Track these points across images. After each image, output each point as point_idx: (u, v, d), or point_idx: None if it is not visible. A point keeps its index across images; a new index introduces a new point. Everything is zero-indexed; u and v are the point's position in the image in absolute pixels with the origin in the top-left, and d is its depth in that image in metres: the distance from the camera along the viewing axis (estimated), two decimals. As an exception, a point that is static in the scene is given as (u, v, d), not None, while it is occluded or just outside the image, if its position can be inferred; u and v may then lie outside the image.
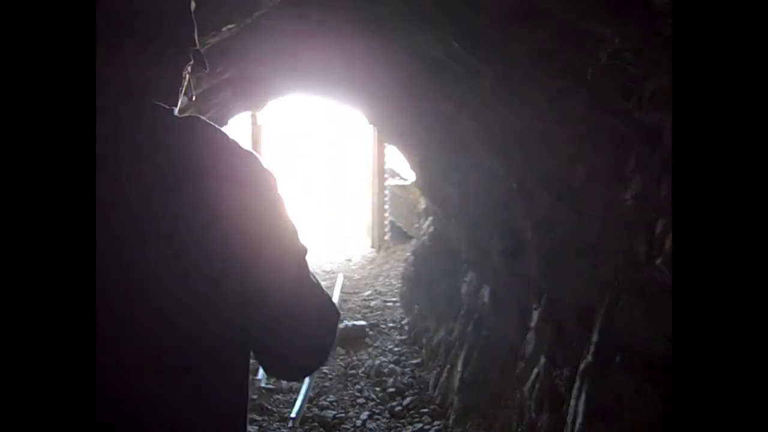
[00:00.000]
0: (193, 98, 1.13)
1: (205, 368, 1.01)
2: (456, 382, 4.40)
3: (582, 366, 2.60)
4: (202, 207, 0.96)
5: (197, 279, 0.97)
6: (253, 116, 9.57)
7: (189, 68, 1.10)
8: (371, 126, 10.06)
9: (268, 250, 1.02)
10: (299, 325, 1.05)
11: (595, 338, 2.53)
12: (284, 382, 5.07)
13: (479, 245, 4.02)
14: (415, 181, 6.13)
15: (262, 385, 4.89)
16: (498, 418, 3.78)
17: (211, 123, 1.05)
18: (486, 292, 4.25)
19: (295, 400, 4.67)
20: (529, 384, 3.15)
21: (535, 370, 3.12)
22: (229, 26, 2.36)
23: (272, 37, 3.10)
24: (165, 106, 1.02)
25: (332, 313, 1.11)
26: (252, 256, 1.00)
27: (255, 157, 1.04)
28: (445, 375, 4.70)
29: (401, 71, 3.08)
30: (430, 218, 6.07)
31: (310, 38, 2.86)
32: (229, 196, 0.98)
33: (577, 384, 2.61)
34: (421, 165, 4.98)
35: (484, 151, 3.10)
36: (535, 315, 3.21)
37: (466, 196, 4.01)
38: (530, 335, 3.31)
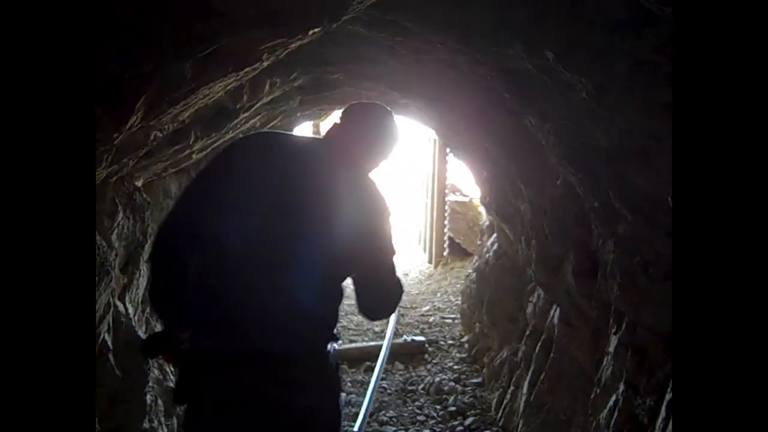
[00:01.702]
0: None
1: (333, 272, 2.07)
2: (521, 405, 4.27)
3: (669, 397, 2.46)
4: (367, 213, 2.10)
5: (353, 238, 2.01)
6: (316, 126, 9.61)
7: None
8: (434, 140, 10.01)
9: (387, 239, 2.13)
10: (384, 287, 2.17)
11: (684, 368, 2.39)
12: (343, 396, 5.01)
13: (550, 264, 3.89)
14: (481, 197, 6.02)
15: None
16: (567, 444, 3.64)
17: (373, 180, 2.21)
18: (555, 313, 4.12)
19: (356, 413, 4.60)
20: (606, 411, 3.01)
21: (613, 397, 2.97)
22: (315, 30, 2.33)
23: (353, 43, 3.06)
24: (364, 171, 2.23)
25: (401, 288, 2.23)
26: (380, 241, 2.12)
27: (387, 199, 2.18)
28: (508, 396, 4.57)
29: (481, 84, 3.00)
30: (494, 235, 5.95)
31: (393, 45, 2.81)
32: (378, 213, 2.14)
33: (662, 415, 2.47)
34: (488, 180, 4.88)
35: (563, 167, 2.99)
36: (614, 339, 3.07)
37: (539, 213, 3.89)
38: (607, 360, 3.16)
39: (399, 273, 2.20)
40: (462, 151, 5.28)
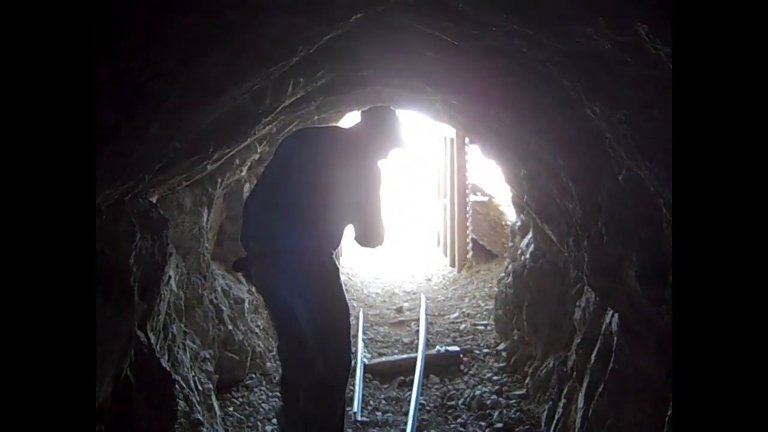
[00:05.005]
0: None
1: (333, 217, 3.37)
2: (577, 420, 3.93)
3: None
4: (360, 176, 3.37)
5: (343, 189, 3.31)
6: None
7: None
8: (451, 139, 9.69)
9: (375, 194, 3.43)
10: (377, 224, 3.46)
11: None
12: (379, 415, 4.72)
13: (607, 267, 3.56)
14: (514, 196, 5.69)
15: (358, 418, 4.54)
16: (638, 464, 3.31)
17: (373, 158, 3.56)
18: (613, 319, 3.79)
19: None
20: None
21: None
22: (358, 16, 2.02)
23: (387, 34, 2.75)
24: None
25: (382, 227, 3.49)
26: (371, 191, 3.42)
27: (379, 170, 3.50)
28: (560, 410, 4.24)
29: (536, 72, 2.69)
30: (529, 236, 5.62)
31: (435, 32, 2.49)
32: (369, 177, 3.42)
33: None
34: (527, 178, 4.55)
35: (634, 160, 2.67)
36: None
37: (591, 212, 3.56)
38: (686, 373, 2.83)
39: (386, 223, 3.53)
40: (495, 149, 4.96)
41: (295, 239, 3.25)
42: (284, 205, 3.30)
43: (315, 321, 3.30)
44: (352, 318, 7.05)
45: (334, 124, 6.00)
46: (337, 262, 3.48)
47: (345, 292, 3.58)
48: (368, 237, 3.49)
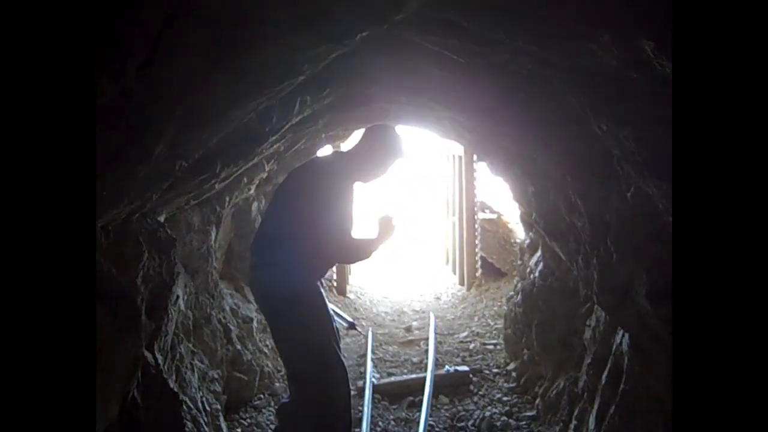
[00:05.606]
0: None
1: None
2: (588, 442, 3.88)
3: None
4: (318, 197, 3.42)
5: (310, 213, 3.39)
6: (336, 147, 9.31)
7: None
8: (459, 156, 9.69)
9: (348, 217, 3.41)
10: (349, 243, 3.46)
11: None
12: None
13: (616, 286, 3.52)
14: (523, 214, 5.67)
15: (366, 440, 4.49)
16: (651, 487, 3.25)
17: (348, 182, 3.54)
18: (623, 338, 3.74)
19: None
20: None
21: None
22: (363, 34, 2.02)
23: (392, 52, 2.75)
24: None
25: (361, 245, 3.59)
26: (343, 221, 3.40)
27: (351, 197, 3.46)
28: (571, 432, 4.18)
29: (544, 89, 2.68)
30: (538, 254, 5.59)
31: (442, 50, 2.50)
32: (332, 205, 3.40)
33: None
34: (535, 195, 4.53)
35: (642, 177, 2.65)
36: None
37: (602, 229, 3.53)
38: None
39: (361, 239, 3.57)
40: (503, 166, 4.94)
41: (276, 266, 3.40)
42: (274, 232, 3.51)
43: (290, 351, 3.53)
44: (361, 338, 7.07)
45: (328, 152, 6.12)
46: (321, 290, 3.57)
47: (330, 319, 3.58)
48: (344, 257, 3.85)
